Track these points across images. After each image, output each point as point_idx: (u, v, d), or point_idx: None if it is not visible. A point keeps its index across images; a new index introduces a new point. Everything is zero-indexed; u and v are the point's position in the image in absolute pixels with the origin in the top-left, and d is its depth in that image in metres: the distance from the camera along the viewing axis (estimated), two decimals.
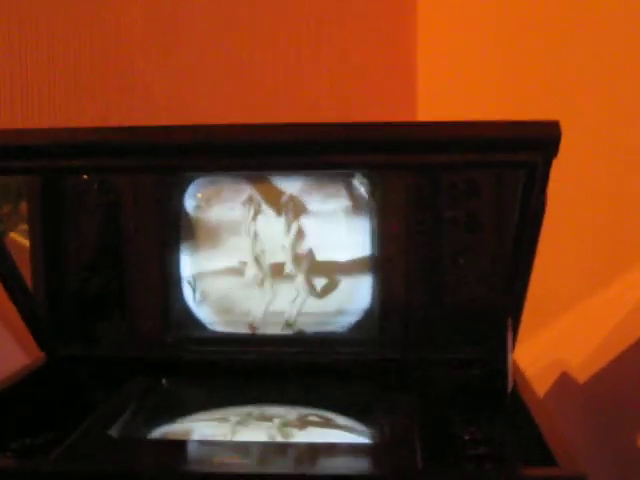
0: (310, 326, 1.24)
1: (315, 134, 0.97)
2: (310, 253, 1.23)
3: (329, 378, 1.20)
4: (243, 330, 1.26)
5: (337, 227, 1.22)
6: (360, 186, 1.22)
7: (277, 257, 1.24)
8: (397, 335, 1.21)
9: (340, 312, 1.23)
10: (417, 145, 0.96)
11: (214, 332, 1.25)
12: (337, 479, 0.85)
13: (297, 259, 1.23)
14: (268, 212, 1.23)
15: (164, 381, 1.21)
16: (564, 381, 1.43)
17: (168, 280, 1.25)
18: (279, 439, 1.03)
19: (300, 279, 1.23)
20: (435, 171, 1.15)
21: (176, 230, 1.25)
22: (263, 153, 0.98)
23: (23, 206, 1.29)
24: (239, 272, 1.24)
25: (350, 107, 1.36)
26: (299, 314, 1.23)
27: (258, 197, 1.23)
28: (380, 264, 1.21)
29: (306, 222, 1.23)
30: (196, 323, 1.26)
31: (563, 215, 1.37)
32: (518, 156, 0.91)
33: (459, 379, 1.16)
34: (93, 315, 1.26)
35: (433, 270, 1.20)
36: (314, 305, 1.23)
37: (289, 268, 1.23)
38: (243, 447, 0.97)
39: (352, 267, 1.22)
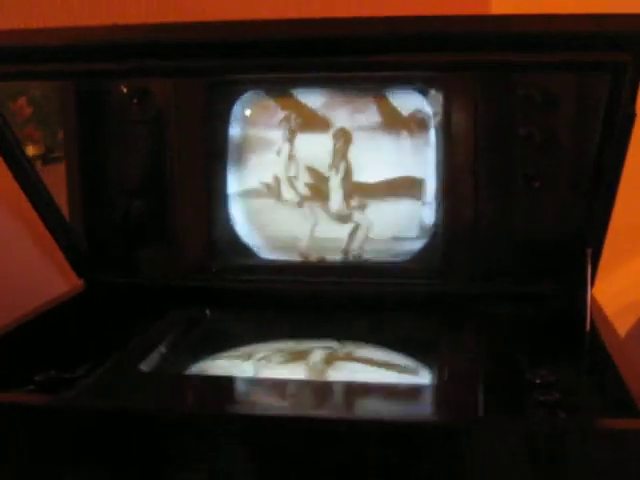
0: (366, 253, 1.12)
1: (371, 29, 0.85)
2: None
3: (387, 311, 1.09)
4: (294, 257, 1.15)
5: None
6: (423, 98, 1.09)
7: (316, 179, 1.12)
8: (462, 266, 1.09)
9: (399, 239, 1.11)
10: (486, 41, 0.83)
11: (262, 259, 1.15)
12: (379, 424, 0.74)
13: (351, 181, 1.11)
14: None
15: (208, 312, 1.11)
16: None
17: (213, 201, 1.15)
18: (324, 377, 0.93)
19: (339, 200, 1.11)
20: (506, 74, 1.01)
21: (222, 147, 1.14)
22: (315, 51, 0.86)
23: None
24: (274, 193, 1.13)
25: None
26: (350, 241, 1.11)
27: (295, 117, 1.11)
28: (446, 187, 1.08)
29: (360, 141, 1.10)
30: (243, 249, 1.16)
31: None
32: (602, 55, 0.77)
33: (531, 316, 1.04)
34: (133, 240, 1.18)
35: (504, 194, 1.07)
36: (371, 230, 1.11)
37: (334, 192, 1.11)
38: (282, 386, 0.87)
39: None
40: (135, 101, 1.14)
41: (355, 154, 1.11)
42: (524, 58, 0.82)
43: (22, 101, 1.48)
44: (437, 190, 1.09)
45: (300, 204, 1.13)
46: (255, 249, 1.15)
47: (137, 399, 0.83)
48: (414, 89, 1.08)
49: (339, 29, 0.86)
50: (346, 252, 1.13)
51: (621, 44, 0.77)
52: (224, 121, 1.13)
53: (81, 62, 0.93)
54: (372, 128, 1.10)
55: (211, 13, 1.37)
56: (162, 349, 1.00)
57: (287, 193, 1.13)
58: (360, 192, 1.11)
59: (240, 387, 0.89)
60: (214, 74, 1.08)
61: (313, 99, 1.12)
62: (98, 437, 0.78)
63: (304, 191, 1.12)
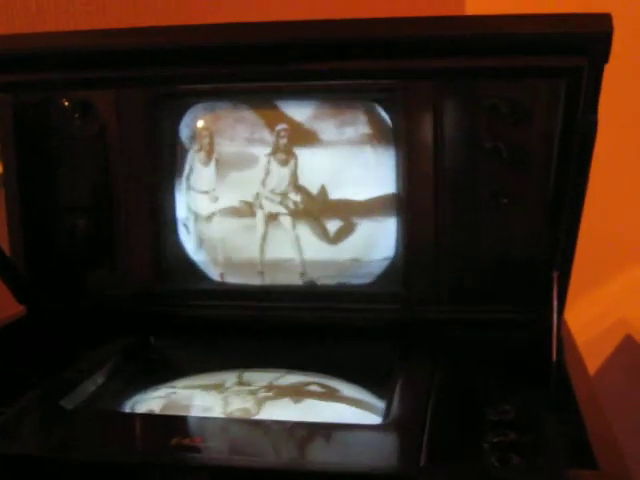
0: (323, 278, 1.04)
1: (318, 34, 0.78)
2: (323, 191, 1.03)
3: (343, 338, 1.01)
4: (248, 281, 1.07)
5: (354, 160, 1.01)
6: (382, 110, 1.01)
7: (282, 197, 1.04)
8: (424, 290, 1.01)
9: (358, 261, 1.03)
10: (438, 46, 0.75)
11: (213, 282, 1.07)
12: (309, 475, 0.65)
13: (307, 197, 1.03)
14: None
15: (152, 339, 1.03)
16: (629, 344, 1.20)
17: (161, 222, 1.08)
18: (264, 414, 0.85)
19: (308, 222, 1.03)
20: (460, 82, 0.93)
21: (170, 165, 1.07)
22: (273, 58, 0.79)
23: None
24: (241, 213, 1.05)
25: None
26: (308, 263, 1.03)
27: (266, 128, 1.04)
28: (406, 205, 1.00)
29: (318, 154, 1.02)
30: (193, 272, 1.08)
31: (632, 148, 1.13)
32: (557, 60, 0.69)
33: (496, 344, 0.96)
34: (76, 263, 1.10)
35: (469, 213, 0.98)
36: (327, 252, 1.03)
37: (294, 208, 1.03)
38: (212, 425, 0.79)
39: (372, 208, 1.02)
40: (77, 116, 1.06)
41: (309, 170, 1.03)
42: (474, 64, 0.74)
43: None
44: (398, 209, 1.01)
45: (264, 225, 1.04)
46: (206, 272, 1.07)
47: (41, 442, 0.75)
48: (371, 99, 1.00)
49: (289, 33, 0.79)
50: (303, 274, 1.05)
51: (576, 47, 0.69)
52: (171, 137, 1.06)
53: (18, 72, 0.85)
54: (329, 143, 1.02)
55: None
56: (97, 380, 0.92)
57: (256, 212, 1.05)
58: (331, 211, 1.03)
59: (170, 426, 0.81)
60: (158, 84, 1.00)
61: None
62: None
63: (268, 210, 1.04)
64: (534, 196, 0.95)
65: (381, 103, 1.00)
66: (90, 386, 0.91)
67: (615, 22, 0.68)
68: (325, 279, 1.05)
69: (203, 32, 0.83)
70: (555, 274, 0.88)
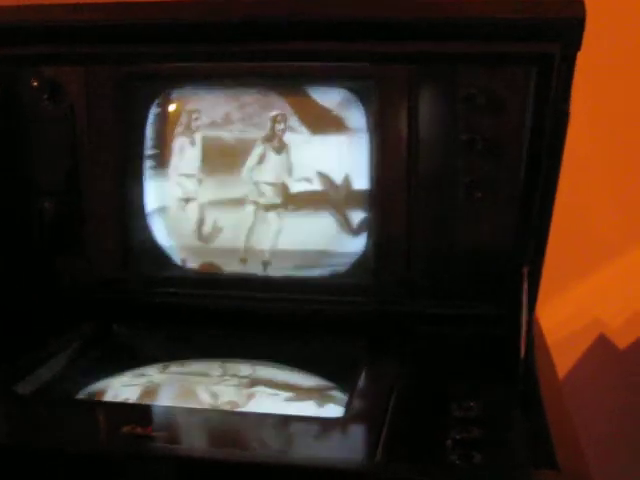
0: (290, 269, 1.02)
1: (294, 13, 0.75)
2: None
3: (310, 331, 0.98)
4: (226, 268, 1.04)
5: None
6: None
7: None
8: (395, 284, 0.99)
9: (326, 253, 1.01)
10: (412, 30, 0.73)
11: (179, 270, 1.05)
12: (262, 466, 0.63)
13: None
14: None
15: (115, 326, 1.01)
16: (601, 345, 1.18)
17: (129, 208, 1.05)
18: (222, 406, 0.83)
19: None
20: (433, 68, 0.90)
21: (140, 149, 1.04)
22: (242, 36, 0.77)
23: None
24: (231, 202, 1.02)
25: None
26: (275, 252, 1.01)
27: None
28: (377, 196, 0.98)
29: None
30: (160, 259, 1.05)
31: (609, 145, 1.11)
32: (529, 46, 0.67)
33: (465, 339, 0.94)
34: (42, 248, 1.07)
35: (442, 206, 0.96)
36: (295, 243, 1.01)
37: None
38: (164, 413, 0.77)
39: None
40: (46, 96, 1.04)
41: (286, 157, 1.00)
42: (448, 49, 0.72)
43: None
44: (369, 200, 0.99)
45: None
46: (173, 259, 1.05)
47: None
48: (342, 86, 0.97)
49: (259, 11, 0.77)
50: (264, 263, 1.03)
51: (548, 33, 0.67)
52: (140, 120, 1.03)
53: None
54: (300, 130, 1.00)
55: None
56: (54, 367, 0.90)
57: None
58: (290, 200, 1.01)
59: (125, 414, 0.78)
60: (126, 62, 0.98)
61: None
62: None
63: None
64: (507, 190, 0.93)
65: (355, 92, 0.97)
66: (47, 372, 0.88)
67: (589, 9, 0.66)
68: (291, 270, 1.02)
69: (171, 10, 0.80)
70: (525, 269, 0.86)
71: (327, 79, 1.00)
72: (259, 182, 1.00)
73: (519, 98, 0.90)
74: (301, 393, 0.86)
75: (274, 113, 0.99)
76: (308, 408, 0.84)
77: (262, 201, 1.01)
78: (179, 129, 1.03)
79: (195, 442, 0.72)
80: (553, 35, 0.66)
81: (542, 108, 0.72)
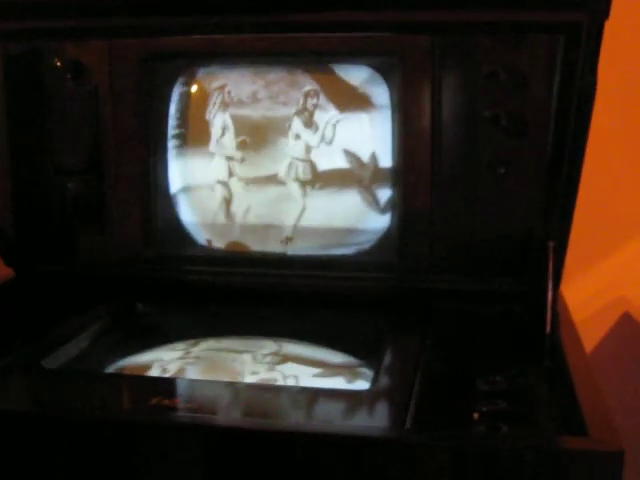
0: (316, 247, 1.02)
1: None
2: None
3: (334, 308, 0.98)
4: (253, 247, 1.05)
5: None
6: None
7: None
8: (419, 260, 0.99)
9: (352, 231, 1.01)
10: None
11: (202, 248, 1.05)
12: (295, 435, 0.63)
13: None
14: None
15: (140, 304, 1.01)
16: (627, 323, 1.17)
17: (153, 187, 1.05)
18: (252, 380, 0.83)
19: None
20: (461, 40, 0.90)
21: (162, 129, 1.04)
22: (269, 7, 0.77)
23: None
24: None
25: None
26: (301, 230, 1.01)
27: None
28: (402, 173, 0.98)
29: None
30: (183, 238, 1.05)
31: (635, 121, 1.10)
32: (556, 15, 0.66)
33: (490, 315, 0.94)
34: (66, 226, 1.08)
35: (465, 182, 0.96)
36: (322, 220, 1.01)
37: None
38: (192, 387, 0.77)
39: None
40: (69, 76, 1.04)
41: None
42: (472, 18, 0.72)
43: None
44: (392, 177, 0.99)
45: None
46: (197, 238, 1.05)
47: (21, 399, 0.74)
48: (366, 63, 0.97)
49: None
50: (288, 240, 1.03)
51: (577, 2, 0.66)
52: (164, 99, 1.03)
53: (7, 20, 0.83)
54: (328, 108, 1.00)
55: None
56: (80, 344, 0.90)
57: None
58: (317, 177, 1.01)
59: (153, 387, 0.79)
60: (151, 34, 0.98)
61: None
62: None
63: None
64: (531, 165, 0.93)
65: (378, 69, 0.97)
66: (74, 348, 0.89)
67: None
68: (316, 248, 1.02)
69: None
70: (551, 244, 0.85)
71: (352, 55, 0.99)
72: (289, 159, 1.00)
73: (542, 73, 0.90)
74: (329, 369, 0.86)
75: (307, 88, 0.98)
76: (337, 384, 0.84)
77: (291, 178, 1.01)
78: (205, 108, 1.03)
79: (224, 413, 0.72)
80: (581, 3, 0.65)
81: (568, 79, 0.72)
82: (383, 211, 1.00)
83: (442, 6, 0.72)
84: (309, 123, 0.99)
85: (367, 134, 1.00)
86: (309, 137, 1.00)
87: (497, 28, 0.78)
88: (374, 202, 1.00)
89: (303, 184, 1.00)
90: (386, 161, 0.99)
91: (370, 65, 0.99)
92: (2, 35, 0.95)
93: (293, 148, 1.00)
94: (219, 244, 1.05)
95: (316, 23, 0.80)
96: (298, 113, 0.99)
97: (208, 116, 1.04)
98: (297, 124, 1.00)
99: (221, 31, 0.91)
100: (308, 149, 1.00)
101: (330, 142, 0.99)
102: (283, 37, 0.96)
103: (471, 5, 0.71)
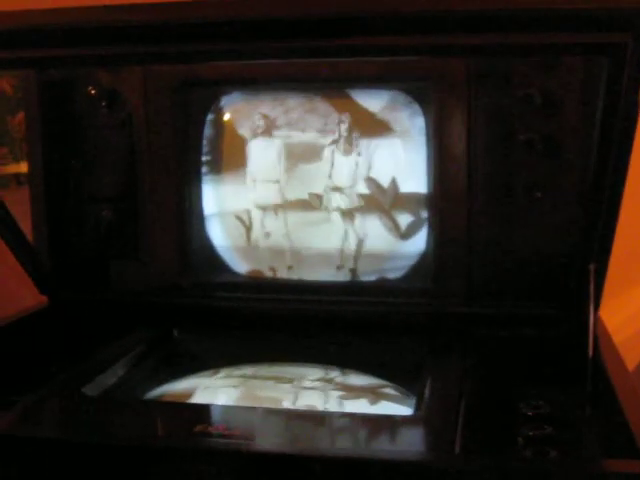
0: (361, 273, 1.02)
1: (351, 9, 0.75)
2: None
3: (374, 332, 0.98)
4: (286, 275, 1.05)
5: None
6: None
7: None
8: (456, 285, 0.98)
9: (379, 257, 1.00)
10: (475, 22, 0.72)
11: (239, 275, 1.05)
12: (345, 461, 0.63)
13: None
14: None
15: (175, 331, 1.01)
16: None
17: (188, 214, 1.05)
18: (296, 405, 0.82)
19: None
20: (500, 62, 0.90)
21: (199, 156, 1.04)
22: (304, 33, 0.77)
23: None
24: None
25: None
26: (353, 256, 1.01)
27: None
28: (438, 198, 0.98)
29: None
30: (219, 265, 1.05)
31: None
32: (600, 36, 0.66)
33: (529, 340, 0.93)
34: (101, 254, 1.08)
35: (502, 207, 0.95)
36: (349, 246, 1.01)
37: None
38: (238, 414, 0.77)
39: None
40: (104, 104, 1.05)
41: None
42: (513, 40, 0.71)
43: (21, 116, 1.41)
44: (430, 202, 0.98)
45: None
46: (230, 264, 1.05)
47: (63, 427, 0.73)
48: (402, 89, 0.97)
49: (319, 8, 0.77)
50: (340, 267, 1.02)
51: (621, 23, 0.66)
52: (197, 126, 1.04)
53: (45, 47, 0.84)
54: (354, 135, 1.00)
55: None
56: (118, 371, 0.90)
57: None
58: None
59: (194, 414, 0.79)
60: (185, 61, 0.98)
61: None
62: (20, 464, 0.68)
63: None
64: (569, 188, 0.92)
65: (413, 94, 0.97)
66: (112, 376, 0.88)
67: None
68: (363, 274, 1.02)
69: (225, 8, 0.80)
70: (592, 267, 0.85)
71: (382, 80, 1.00)
72: (325, 185, 1.00)
73: (578, 95, 0.90)
74: (374, 396, 0.86)
75: (340, 116, 0.99)
76: (361, 406, 0.83)
77: (315, 205, 1.01)
78: (236, 135, 1.03)
79: (269, 440, 0.71)
80: (625, 24, 0.65)
81: (611, 100, 0.71)
82: (405, 237, 1.00)
83: (477, 29, 0.72)
84: (346, 150, 0.99)
85: (387, 160, 0.99)
86: (344, 163, 1.00)
87: (534, 51, 0.77)
88: (395, 228, 1.00)
89: (342, 210, 1.00)
90: (407, 186, 0.99)
91: (402, 90, 0.99)
92: (38, 62, 0.95)
93: (329, 174, 1.00)
94: (250, 270, 1.04)
95: (354, 47, 0.80)
96: (334, 141, 1.00)
97: (234, 147, 1.03)
98: (332, 151, 1.00)
99: (253, 56, 0.91)
100: (333, 175, 1.00)
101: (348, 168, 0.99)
102: (316, 62, 0.96)
103: (507, 28, 0.70)
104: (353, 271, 1.03)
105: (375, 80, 1.00)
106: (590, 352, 0.84)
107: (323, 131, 1.01)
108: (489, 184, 0.96)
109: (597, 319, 0.89)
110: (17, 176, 1.32)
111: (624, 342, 0.94)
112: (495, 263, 0.97)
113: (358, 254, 1.02)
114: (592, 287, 0.85)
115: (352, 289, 1.02)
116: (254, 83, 1.04)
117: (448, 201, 0.97)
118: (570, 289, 0.92)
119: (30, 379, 0.87)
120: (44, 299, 1.08)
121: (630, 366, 1.02)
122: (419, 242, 1.01)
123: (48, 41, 0.84)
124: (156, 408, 0.82)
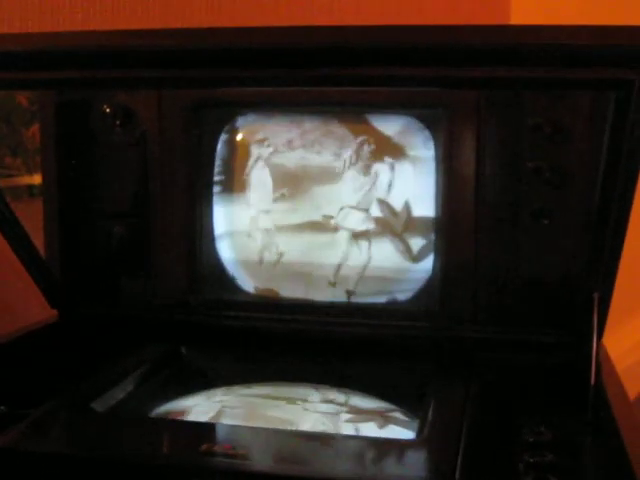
0: (360, 293, 1.03)
1: (363, 39, 0.76)
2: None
3: (377, 355, 0.99)
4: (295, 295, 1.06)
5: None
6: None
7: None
8: (461, 309, 1.00)
9: (388, 280, 1.02)
10: (486, 56, 0.73)
11: (247, 294, 1.06)
12: None
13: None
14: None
15: (183, 349, 1.03)
16: None
17: (198, 233, 1.07)
18: (296, 427, 0.83)
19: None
20: (508, 95, 0.92)
21: (210, 176, 1.06)
22: (315, 61, 0.78)
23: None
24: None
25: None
26: (340, 277, 1.02)
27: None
28: (445, 222, 0.99)
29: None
30: (227, 284, 1.06)
31: None
32: (608, 72, 0.68)
33: (532, 366, 0.94)
34: (111, 270, 1.09)
35: (509, 232, 0.97)
36: (357, 268, 1.02)
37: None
38: (244, 433, 0.78)
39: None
40: (118, 122, 1.06)
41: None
42: (521, 74, 0.73)
43: (35, 128, 1.43)
44: (437, 226, 1.00)
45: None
46: (239, 283, 1.06)
47: (70, 441, 0.75)
48: (412, 115, 0.99)
49: (331, 38, 0.78)
50: (350, 289, 1.04)
51: (629, 61, 0.67)
52: (210, 146, 1.05)
53: (61, 70, 0.85)
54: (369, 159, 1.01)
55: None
56: (127, 386, 0.91)
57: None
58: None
59: (200, 432, 0.80)
60: (201, 86, 1.00)
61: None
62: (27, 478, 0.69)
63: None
64: (575, 217, 0.94)
65: (424, 120, 0.99)
66: (120, 391, 0.90)
67: None
68: (361, 294, 1.03)
69: (242, 35, 0.82)
70: (596, 295, 0.86)
71: (394, 106, 1.01)
72: (330, 208, 1.02)
73: (587, 127, 0.92)
74: (362, 414, 0.87)
75: (355, 139, 1.00)
76: (369, 429, 0.84)
77: (328, 226, 1.02)
78: (246, 157, 1.05)
79: (273, 461, 0.72)
80: (632, 62, 0.67)
81: (617, 134, 0.73)
82: (416, 260, 1.01)
83: (490, 63, 0.73)
84: (361, 172, 1.01)
85: (400, 184, 1.01)
86: (359, 186, 1.01)
87: (544, 85, 0.79)
88: (407, 251, 1.01)
89: (354, 233, 1.01)
90: (420, 210, 1.00)
91: (414, 116, 1.00)
92: (54, 83, 0.97)
93: (343, 196, 1.01)
94: (259, 289, 1.06)
95: (364, 77, 0.82)
96: (349, 163, 1.01)
97: (248, 167, 1.05)
98: (347, 173, 1.01)
99: (268, 83, 0.92)
100: (358, 197, 1.01)
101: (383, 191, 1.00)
102: (327, 90, 0.98)
103: (518, 62, 0.72)
104: (361, 293, 1.04)
105: (388, 106, 1.01)
106: (592, 380, 0.85)
107: (339, 154, 1.02)
108: (497, 210, 0.97)
109: (600, 347, 0.90)
110: (30, 188, 1.34)
111: (626, 370, 0.95)
112: (501, 288, 0.98)
113: (368, 276, 1.03)
114: (595, 315, 0.86)
115: (360, 311, 1.03)
116: (268, 105, 1.05)
117: (456, 225, 0.99)
118: (574, 316, 0.92)
119: (39, 393, 0.88)
120: (54, 313, 1.09)
121: (632, 395, 1.03)
122: (429, 265, 1.01)
123: (63, 63, 0.85)
124: (163, 425, 0.83)
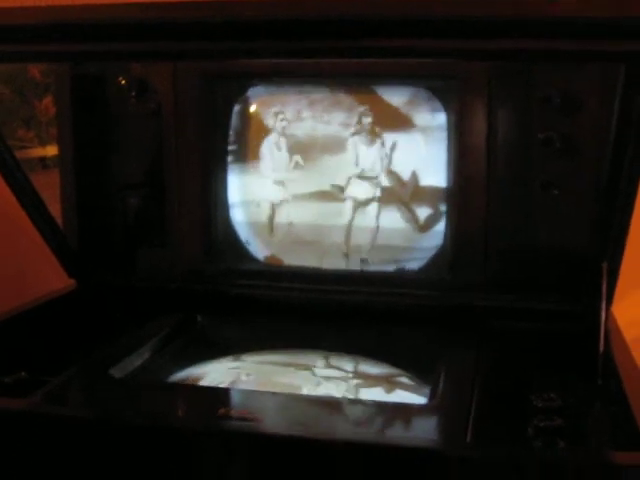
0: (372, 262, 1.04)
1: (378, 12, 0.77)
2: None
3: (389, 323, 1.01)
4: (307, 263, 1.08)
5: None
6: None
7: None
8: (472, 278, 1.01)
9: (407, 248, 1.03)
10: (499, 27, 0.74)
11: (262, 264, 1.08)
12: (360, 446, 0.66)
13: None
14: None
15: (199, 317, 1.04)
16: None
17: (213, 203, 1.08)
18: (312, 392, 0.85)
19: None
20: (519, 67, 0.93)
21: (225, 146, 1.07)
22: (329, 33, 0.78)
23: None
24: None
25: None
26: (351, 246, 1.04)
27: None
28: (457, 192, 1.00)
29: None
30: (242, 253, 1.08)
31: None
32: (618, 45, 0.68)
33: (542, 333, 0.95)
34: (127, 240, 1.11)
35: (519, 202, 0.98)
36: (368, 237, 1.04)
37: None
38: (259, 398, 0.80)
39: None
40: (133, 94, 1.08)
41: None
42: (533, 46, 0.74)
43: (48, 100, 1.44)
44: (447, 196, 1.01)
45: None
46: (253, 252, 1.08)
47: (90, 406, 0.77)
48: (425, 86, 1.00)
49: (345, 9, 0.78)
50: (360, 257, 1.05)
51: (638, 32, 0.68)
52: (224, 117, 1.07)
53: (77, 42, 0.86)
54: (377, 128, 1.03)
55: None
56: (144, 354, 0.93)
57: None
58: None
59: (216, 397, 0.82)
60: (214, 57, 1.00)
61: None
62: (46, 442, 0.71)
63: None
64: (585, 187, 0.95)
65: (436, 91, 1.00)
66: (138, 358, 0.92)
67: None
68: (373, 263, 1.05)
69: (252, 7, 0.82)
70: (605, 265, 0.87)
71: (403, 77, 1.02)
72: (346, 176, 1.03)
73: (596, 97, 0.92)
74: (370, 379, 0.89)
75: (361, 109, 1.01)
76: (376, 394, 0.86)
77: (337, 195, 1.04)
78: (260, 127, 1.06)
79: (286, 425, 0.74)
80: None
81: (627, 103, 0.74)
82: (423, 229, 1.03)
83: (502, 35, 0.74)
84: (369, 142, 1.02)
85: (408, 154, 1.02)
86: (367, 155, 1.02)
87: (554, 57, 0.80)
88: (414, 220, 1.02)
89: (362, 201, 1.03)
90: (427, 180, 1.02)
91: (422, 87, 1.01)
92: (70, 56, 0.98)
93: (354, 163, 1.03)
94: (273, 258, 1.07)
95: (375, 48, 0.82)
96: (357, 132, 1.02)
97: (259, 134, 1.06)
98: (355, 143, 1.02)
99: (281, 56, 0.93)
100: (356, 167, 1.03)
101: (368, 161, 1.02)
102: (337, 62, 0.99)
103: (528, 34, 0.72)
104: (371, 261, 1.05)
105: (399, 77, 1.02)
106: (601, 347, 0.86)
107: (347, 124, 1.03)
108: (507, 180, 0.98)
109: (609, 315, 0.91)
110: (43, 159, 1.36)
111: (635, 339, 0.96)
112: (511, 257, 0.99)
113: (377, 244, 1.05)
114: (604, 284, 0.87)
115: (370, 279, 1.05)
116: (279, 77, 1.06)
117: (467, 195, 1.00)
118: (584, 285, 0.94)
119: (59, 360, 0.90)
120: (72, 282, 1.11)
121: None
122: (437, 235, 1.03)
123: (79, 36, 0.86)
124: (180, 391, 0.85)
